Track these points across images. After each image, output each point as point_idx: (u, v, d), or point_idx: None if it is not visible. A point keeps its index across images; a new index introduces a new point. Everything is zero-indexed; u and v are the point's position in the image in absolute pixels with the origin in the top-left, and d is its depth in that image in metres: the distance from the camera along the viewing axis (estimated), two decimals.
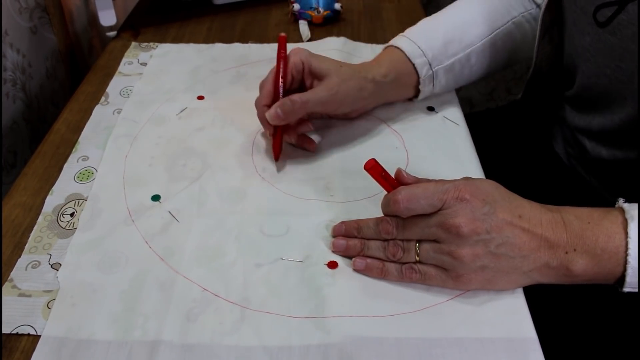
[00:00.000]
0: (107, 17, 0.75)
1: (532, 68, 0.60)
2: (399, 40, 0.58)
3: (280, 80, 0.53)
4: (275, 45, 0.74)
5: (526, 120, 0.70)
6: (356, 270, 0.43)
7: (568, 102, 0.60)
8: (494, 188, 0.41)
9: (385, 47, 0.60)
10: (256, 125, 0.60)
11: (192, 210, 0.49)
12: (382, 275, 0.43)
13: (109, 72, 0.69)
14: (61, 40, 0.80)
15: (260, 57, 0.72)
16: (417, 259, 0.41)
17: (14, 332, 0.40)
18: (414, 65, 0.57)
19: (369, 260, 0.43)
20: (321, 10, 0.79)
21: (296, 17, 0.81)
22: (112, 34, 0.78)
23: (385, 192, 0.44)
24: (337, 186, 0.52)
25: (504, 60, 0.62)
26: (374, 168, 0.43)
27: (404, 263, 0.42)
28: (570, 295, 0.52)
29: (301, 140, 0.55)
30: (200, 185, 0.52)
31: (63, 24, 0.80)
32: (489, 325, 0.40)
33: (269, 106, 0.52)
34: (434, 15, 0.62)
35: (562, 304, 0.52)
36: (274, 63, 0.70)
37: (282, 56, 0.54)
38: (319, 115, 0.58)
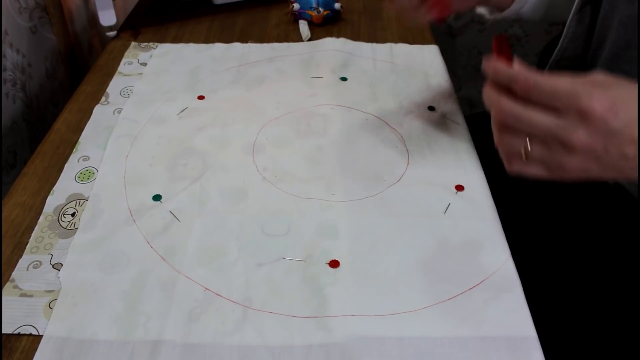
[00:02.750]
0: (107, 17, 0.75)
1: (559, 46, 0.59)
2: None
3: None
4: (275, 45, 0.75)
5: None
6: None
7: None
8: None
9: None
10: (257, 124, 0.60)
11: (194, 210, 0.49)
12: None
13: (109, 72, 0.69)
14: (61, 40, 0.80)
15: (260, 56, 0.72)
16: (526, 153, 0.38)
17: (16, 332, 0.40)
18: None
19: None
20: (321, 10, 0.79)
21: (296, 17, 0.81)
22: (112, 34, 0.78)
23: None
24: (338, 185, 0.52)
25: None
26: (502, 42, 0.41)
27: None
28: (570, 295, 0.53)
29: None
30: (201, 185, 0.52)
31: (63, 24, 0.80)
32: (490, 324, 0.40)
33: None
34: None
35: (562, 303, 0.52)
36: (274, 63, 0.70)
37: None
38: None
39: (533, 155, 0.37)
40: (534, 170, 0.38)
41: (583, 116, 0.35)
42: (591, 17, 0.57)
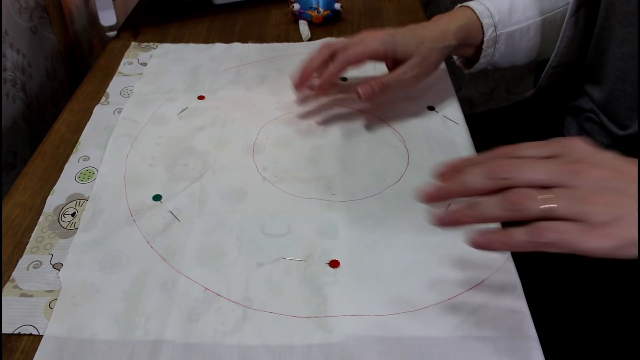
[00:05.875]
0: (107, 17, 0.75)
1: (555, 52, 0.60)
2: (471, 2, 0.62)
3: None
4: (275, 45, 0.74)
5: (532, 118, 0.70)
6: (476, 246, 0.34)
7: (593, 80, 0.60)
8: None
9: (458, 7, 0.63)
10: (257, 124, 0.60)
11: (193, 209, 0.49)
12: (507, 247, 0.34)
13: (109, 72, 0.69)
14: (61, 40, 0.80)
15: (260, 56, 0.72)
16: (545, 206, 0.32)
17: (16, 332, 0.40)
18: (481, 24, 0.60)
19: (490, 234, 0.33)
20: (321, 10, 0.79)
21: (296, 17, 0.81)
22: (112, 34, 0.78)
23: None
24: (338, 185, 0.52)
25: (553, 45, 0.62)
26: None
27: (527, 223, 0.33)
28: (571, 295, 0.53)
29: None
30: (201, 185, 0.52)
31: (63, 24, 0.80)
32: (490, 324, 0.40)
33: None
34: None
35: (562, 303, 0.52)
36: (274, 63, 0.70)
37: None
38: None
39: (558, 201, 0.32)
40: (568, 228, 0.32)
41: (573, 146, 0.34)
42: (585, 20, 0.57)
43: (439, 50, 0.58)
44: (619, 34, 0.53)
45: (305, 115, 0.61)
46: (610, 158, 0.34)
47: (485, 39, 0.60)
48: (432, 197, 0.35)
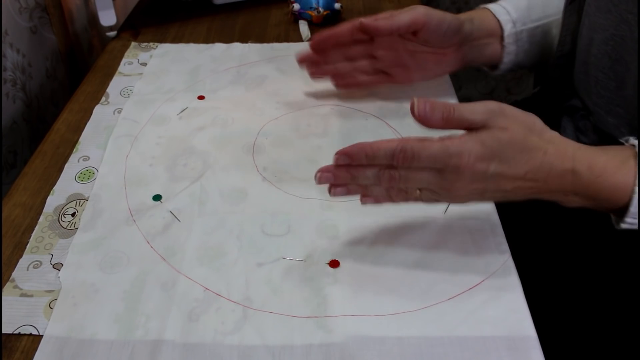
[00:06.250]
0: (107, 17, 0.75)
1: (557, 43, 0.60)
2: (487, 4, 0.62)
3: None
4: (275, 45, 0.75)
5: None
6: (334, 195, 0.42)
7: (586, 78, 0.60)
8: (507, 140, 0.40)
9: (476, 9, 0.63)
10: (257, 124, 0.60)
11: (193, 209, 0.49)
12: (363, 195, 0.42)
13: (109, 72, 0.69)
14: (61, 40, 0.80)
15: (260, 56, 0.72)
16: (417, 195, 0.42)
17: (16, 332, 0.40)
18: (499, 21, 0.60)
19: (349, 186, 0.42)
20: (321, 10, 0.79)
21: (296, 17, 0.81)
22: (112, 34, 0.78)
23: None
24: None
25: None
26: None
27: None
28: (570, 295, 0.53)
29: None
30: (201, 185, 0.52)
31: (63, 24, 0.80)
32: (490, 324, 0.40)
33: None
34: None
35: (562, 303, 0.52)
36: (274, 63, 0.70)
37: None
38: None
39: (423, 197, 0.42)
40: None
41: (455, 170, 0.39)
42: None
43: (450, 16, 0.58)
44: (591, 21, 0.53)
45: (305, 115, 0.61)
46: (489, 174, 0.39)
47: (505, 34, 0.60)
48: (325, 180, 0.42)
